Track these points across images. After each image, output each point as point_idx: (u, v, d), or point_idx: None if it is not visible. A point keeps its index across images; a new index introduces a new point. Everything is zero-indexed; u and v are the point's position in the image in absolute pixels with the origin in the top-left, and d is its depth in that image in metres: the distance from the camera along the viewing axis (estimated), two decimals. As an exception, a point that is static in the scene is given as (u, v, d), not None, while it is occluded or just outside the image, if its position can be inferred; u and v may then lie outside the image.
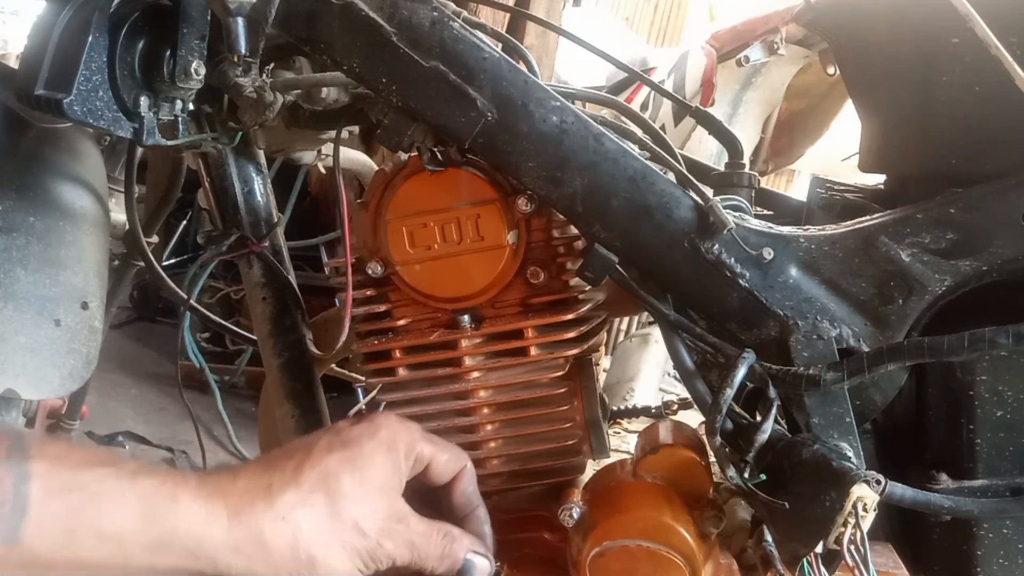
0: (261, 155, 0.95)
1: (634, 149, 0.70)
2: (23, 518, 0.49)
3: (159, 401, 3.23)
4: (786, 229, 0.71)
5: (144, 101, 0.69)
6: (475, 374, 0.78)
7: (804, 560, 0.64)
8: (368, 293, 0.78)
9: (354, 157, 1.16)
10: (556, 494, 0.82)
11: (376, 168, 1.04)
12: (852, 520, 0.61)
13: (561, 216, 0.74)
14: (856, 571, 0.61)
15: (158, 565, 0.54)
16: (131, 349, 3.44)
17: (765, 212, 0.90)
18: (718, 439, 0.66)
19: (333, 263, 0.79)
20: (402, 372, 0.79)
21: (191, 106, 0.73)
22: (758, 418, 0.67)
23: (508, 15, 2.53)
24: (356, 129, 0.99)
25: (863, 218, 0.70)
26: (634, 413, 1.21)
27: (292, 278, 0.97)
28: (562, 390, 0.79)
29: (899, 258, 0.67)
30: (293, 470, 0.58)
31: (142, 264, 1.14)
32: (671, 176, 0.70)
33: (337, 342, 0.79)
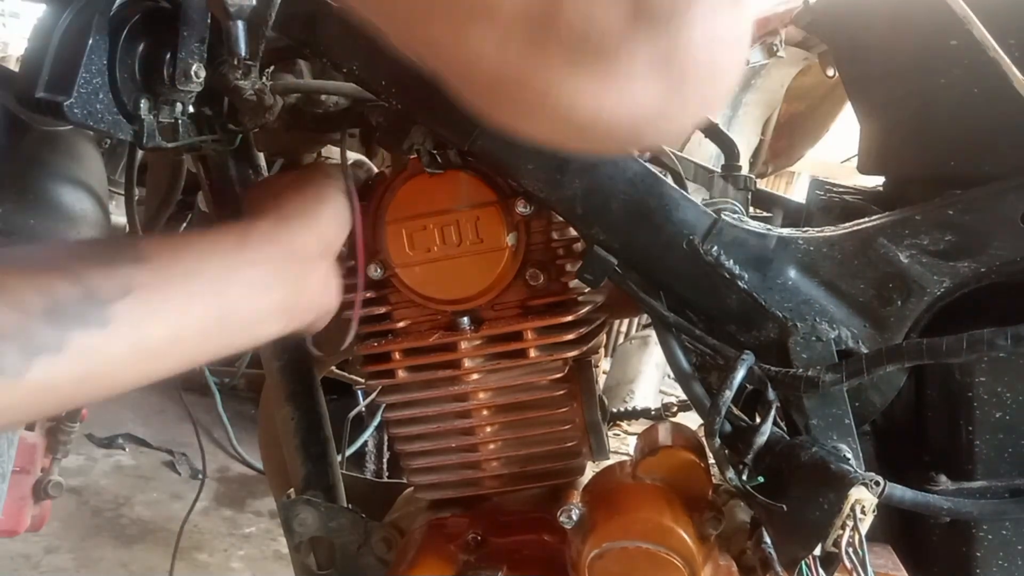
0: (261, 158, 0.95)
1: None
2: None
3: (159, 403, 3.23)
4: (785, 231, 0.71)
5: (144, 104, 0.69)
6: (474, 376, 0.78)
7: (803, 562, 0.64)
8: (368, 295, 0.79)
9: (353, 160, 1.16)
10: (555, 496, 0.83)
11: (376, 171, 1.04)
12: (850, 522, 0.60)
13: (560, 218, 0.74)
14: (854, 573, 0.61)
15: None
16: (131, 351, 3.43)
17: (764, 214, 0.90)
18: (717, 441, 0.66)
19: (332, 265, 0.79)
20: (401, 374, 0.79)
21: (191, 109, 0.73)
22: (757, 420, 0.67)
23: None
24: (356, 131, 0.99)
25: (862, 220, 0.70)
26: (634, 415, 1.21)
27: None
28: (561, 392, 0.79)
29: (898, 260, 0.67)
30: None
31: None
32: (670, 178, 0.71)
33: (337, 343, 0.78)
